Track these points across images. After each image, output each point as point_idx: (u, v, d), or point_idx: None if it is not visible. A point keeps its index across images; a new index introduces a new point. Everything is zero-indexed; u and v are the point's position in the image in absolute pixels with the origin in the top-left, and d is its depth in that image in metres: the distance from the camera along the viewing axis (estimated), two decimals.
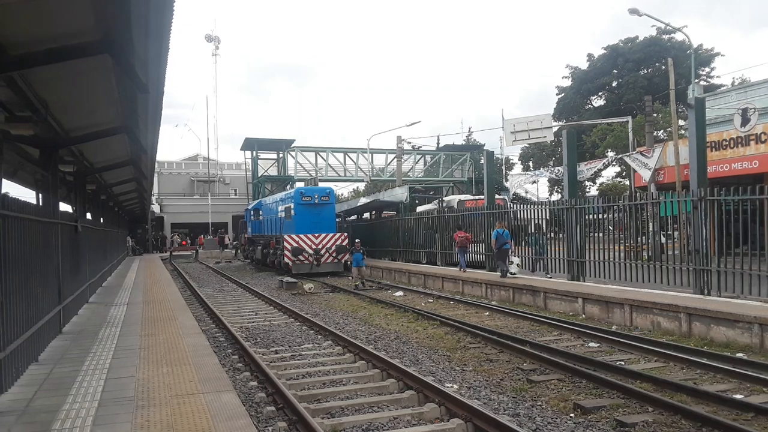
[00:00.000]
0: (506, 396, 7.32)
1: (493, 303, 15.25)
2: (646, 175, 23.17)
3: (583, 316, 12.93)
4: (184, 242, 51.34)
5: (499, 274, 17.08)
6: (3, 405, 5.62)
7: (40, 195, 14.93)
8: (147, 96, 7.38)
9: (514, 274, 16.84)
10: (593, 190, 53.45)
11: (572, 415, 6.52)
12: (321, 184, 38.01)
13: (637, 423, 6.10)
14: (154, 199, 48.83)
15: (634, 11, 23.09)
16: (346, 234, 26.38)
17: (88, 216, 16.17)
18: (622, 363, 8.57)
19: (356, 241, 22.23)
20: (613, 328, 11.49)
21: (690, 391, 6.97)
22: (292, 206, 25.50)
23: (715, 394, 6.78)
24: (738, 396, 6.85)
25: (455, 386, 7.74)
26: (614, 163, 31.07)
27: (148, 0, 4.46)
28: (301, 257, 24.34)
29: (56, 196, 10.14)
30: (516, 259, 17.31)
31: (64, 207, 13.02)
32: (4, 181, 10.59)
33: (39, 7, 5.27)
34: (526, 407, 6.85)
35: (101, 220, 20.82)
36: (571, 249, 15.70)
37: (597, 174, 45.42)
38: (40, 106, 8.06)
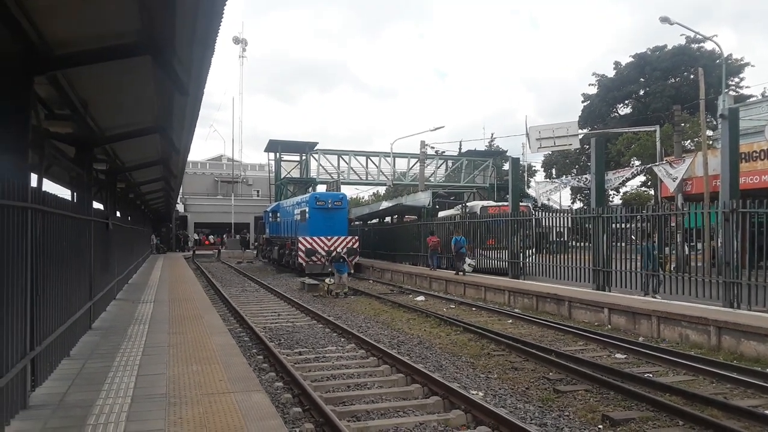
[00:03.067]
0: (533, 405, 7.27)
1: (516, 310, 15.16)
2: (671, 185, 22.78)
3: (609, 326, 12.78)
4: (207, 242, 52.04)
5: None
6: (38, 398, 5.73)
7: (75, 193, 15.18)
8: (185, 97, 7.49)
9: (469, 272, 20.29)
10: (616, 200, 52.82)
11: (600, 426, 6.46)
12: (342, 188, 38.27)
13: None
14: (178, 198, 49.41)
15: (665, 20, 22.71)
16: (357, 237, 27.40)
17: (117, 214, 16.42)
18: (651, 375, 8.47)
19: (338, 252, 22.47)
20: (640, 339, 11.35)
21: (721, 405, 6.86)
22: (307, 210, 26.47)
23: (747, 410, 6.67)
24: None
25: (480, 393, 7.72)
26: (642, 172, 30.60)
27: (197, 5, 4.53)
28: (314, 258, 25.33)
29: (90, 194, 10.32)
30: (471, 260, 20.51)
31: (95, 205, 13.25)
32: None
33: (86, 7, 5.38)
34: (553, 417, 6.80)
35: (129, 218, 21.14)
36: (597, 258, 15.56)
37: (624, 183, 44.82)
38: (79, 104, 8.22)
